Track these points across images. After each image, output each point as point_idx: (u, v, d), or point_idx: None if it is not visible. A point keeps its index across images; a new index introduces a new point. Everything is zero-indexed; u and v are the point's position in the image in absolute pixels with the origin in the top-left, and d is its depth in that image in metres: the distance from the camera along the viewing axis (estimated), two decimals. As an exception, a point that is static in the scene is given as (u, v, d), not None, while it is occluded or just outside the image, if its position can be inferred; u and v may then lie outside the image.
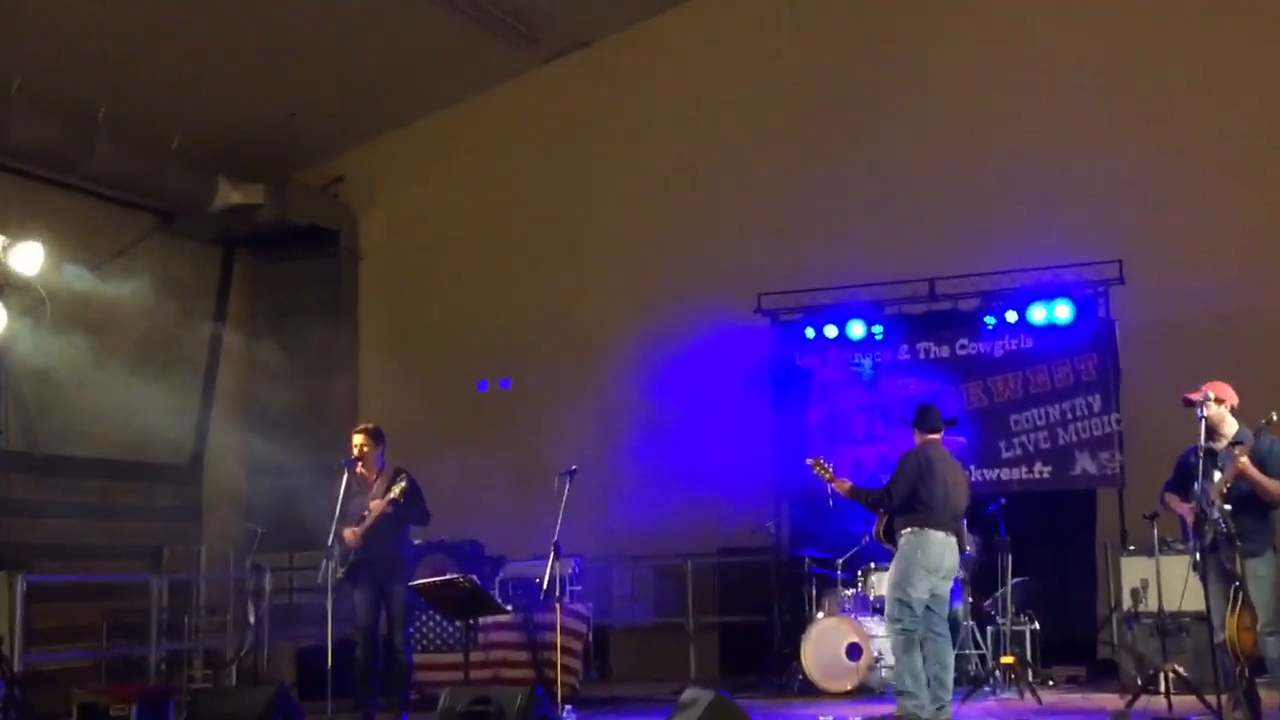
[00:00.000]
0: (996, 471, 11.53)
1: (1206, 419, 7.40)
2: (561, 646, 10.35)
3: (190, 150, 13.35)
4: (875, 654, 10.19)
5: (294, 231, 14.69)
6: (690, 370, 13.15)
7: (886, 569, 8.95)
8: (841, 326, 12.06)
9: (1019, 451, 11.47)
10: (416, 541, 10.42)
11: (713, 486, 12.71)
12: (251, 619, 10.13)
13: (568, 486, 8.61)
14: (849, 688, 10.20)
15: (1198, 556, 7.50)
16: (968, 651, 10.32)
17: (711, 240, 13.59)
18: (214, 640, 12.94)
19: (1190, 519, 7.52)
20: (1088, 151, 12.53)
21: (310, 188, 14.92)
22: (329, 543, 8.69)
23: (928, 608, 8.23)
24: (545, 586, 8.48)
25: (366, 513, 8.76)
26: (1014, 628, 10.31)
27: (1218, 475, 7.35)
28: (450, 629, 10.55)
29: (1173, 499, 7.68)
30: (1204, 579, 7.43)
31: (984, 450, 11.53)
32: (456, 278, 14.76)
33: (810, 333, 12.19)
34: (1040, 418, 11.43)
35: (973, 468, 11.45)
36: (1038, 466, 11.43)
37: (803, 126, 13.57)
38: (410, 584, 8.73)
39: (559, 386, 13.94)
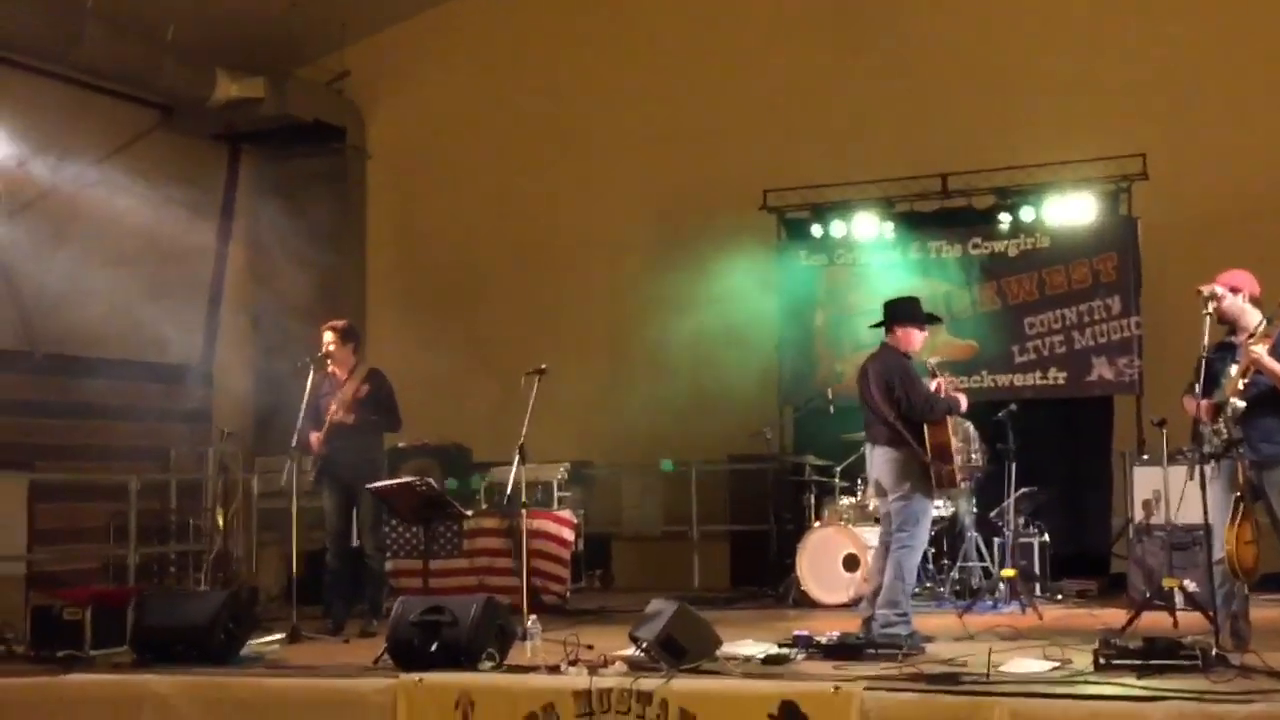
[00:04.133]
0: (1010, 377, 11.11)
1: (1221, 311, 6.90)
2: (546, 555, 10.13)
3: (186, 41, 12.95)
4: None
5: (300, 128, 14.30)
6: (696, 269, 12.71)
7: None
8: (849, 224, 11.58)
9: (1033, 356, 11.05)
10: (400, 444, 10.15)
11: (719, 391, 12.31)
12: (220, 522, 9.90)
13: (535, 386, 8.25)
14: (845, 600, 9.82)
15: (1201, 464, 6.98)
16: (970, 564, 9.96)
17: (719, 136, 13.05)
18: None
19: (1206, 417, 6.86)
20: (1110, 41, 11.87)
21: (314, 83, 14.50)
22: (293, 444, 8.42)
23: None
24: (509, 492, 8.17)
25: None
26: (1021, 539, 9.92)
27: (1233, 370, 6.79)
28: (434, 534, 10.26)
29: (1189, 399, 7.06)
30: (1203, 487, 6.84)
31: (997, 355, 11.13)
32: (464, 175, 14.35)
33: (817, 231, 11.71)
34: (1056, 321, 10.99)
35: (984, 373, 11.12)
36: (1052, 372, 10.99)
37: (813, 19, 12.96)
38: (367, 486, 8.43)
39: (565, 287, 13.63)
